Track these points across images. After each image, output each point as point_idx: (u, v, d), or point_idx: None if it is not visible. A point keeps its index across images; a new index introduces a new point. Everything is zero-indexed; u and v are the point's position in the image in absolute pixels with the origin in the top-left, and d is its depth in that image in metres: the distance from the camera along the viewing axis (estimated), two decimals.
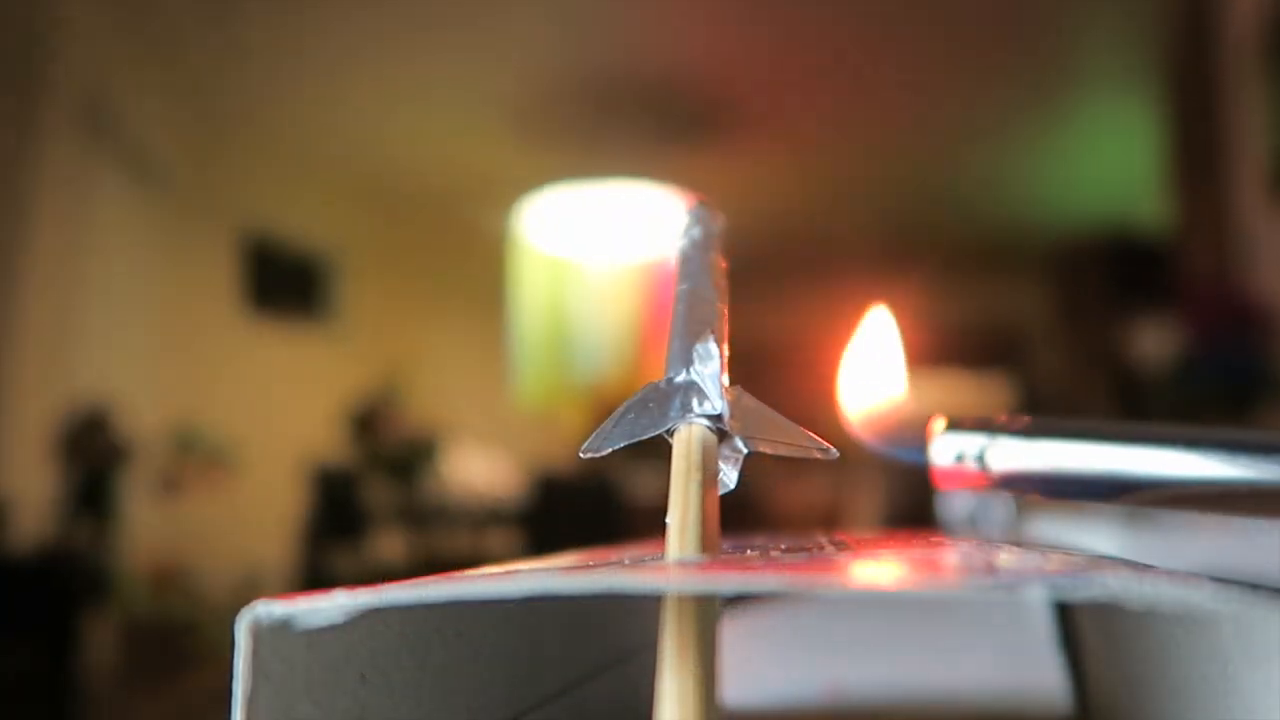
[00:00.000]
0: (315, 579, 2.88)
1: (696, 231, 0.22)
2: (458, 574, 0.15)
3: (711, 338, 0.19)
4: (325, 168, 3.73)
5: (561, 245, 3.72)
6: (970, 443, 0.21)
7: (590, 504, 2.64)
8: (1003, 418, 0.21)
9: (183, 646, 2.68)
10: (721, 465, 0.18)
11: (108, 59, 2.75)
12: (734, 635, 0.39)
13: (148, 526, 2.77)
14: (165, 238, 3.26)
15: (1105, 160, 3.60)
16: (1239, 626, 0.14)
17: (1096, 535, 0.55)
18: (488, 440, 3.86)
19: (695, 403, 0.17)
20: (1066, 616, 0.28)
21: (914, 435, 0.23)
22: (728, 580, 0.12)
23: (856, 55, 2.89)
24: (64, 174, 2.58)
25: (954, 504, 0.86)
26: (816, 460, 0.22)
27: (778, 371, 1.88)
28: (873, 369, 0.25)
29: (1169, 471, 0.19)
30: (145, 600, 2.77)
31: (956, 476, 0.22)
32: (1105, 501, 0.20)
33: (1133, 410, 2.79)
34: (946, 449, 0.22)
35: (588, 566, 0.16)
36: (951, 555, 0.15)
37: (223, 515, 3.19)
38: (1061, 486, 0.21)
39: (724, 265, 0.23)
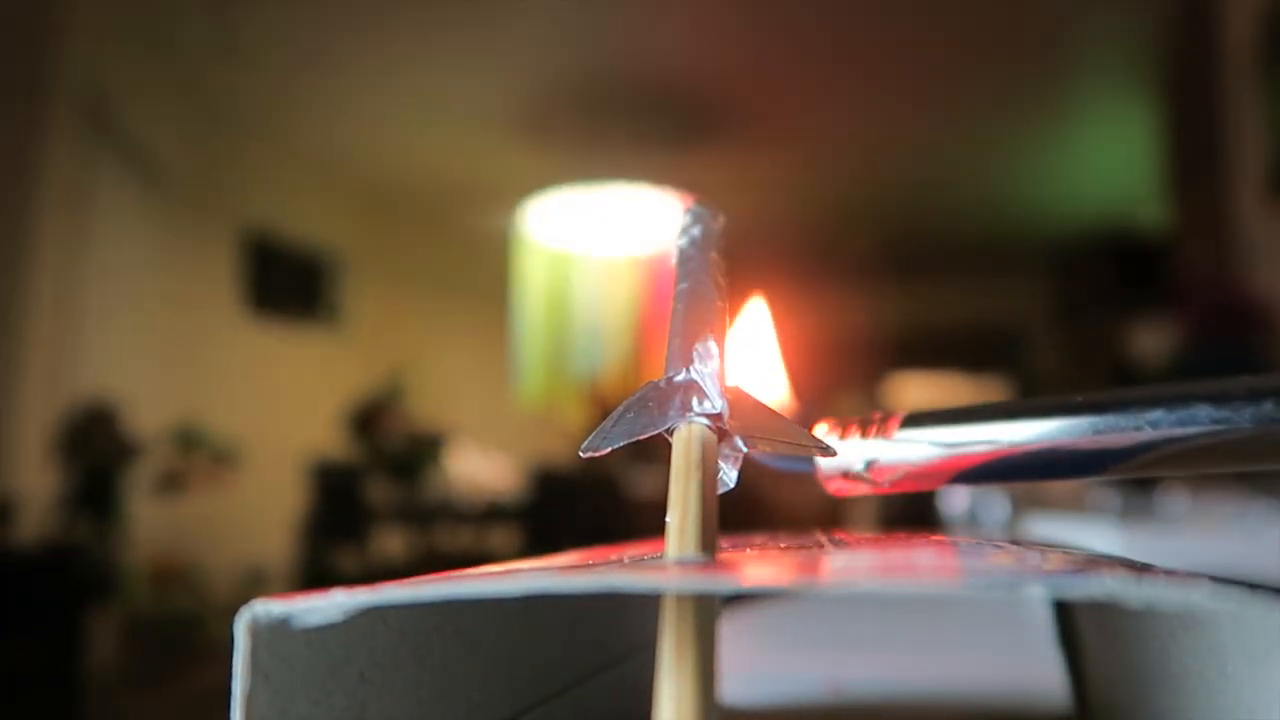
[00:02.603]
0: (318, 576, 2.89)
1: (696, 230, 0.22)
2: (456, 573, 0.15)
3: (711, 337, 0.19)
4: (327, 168, 3.73)
5: (563, 245, 3.72)
6: (854, 448, 0.21)
7: (592, 501, 2.64)
8: (876, 415, 0.21)
9: (186, 643, 2.68)
10: (721, 464, 0.18)
11: (110, 59, 2.75)
12: (734, 634, 0.39)
13: (151, 524, 2.77)
14: (167, 237, 3.26)
15: (1104, 160, 3.59)
16: (1237, 625, 0.14)
17: (1095, 534, 0.55)
18: (490, 438, 3.86)
19: (695, 402, 0.17)
20: (1065, 615, 0.28)
21: None
22: (727, 580, 0.12)
23: (855, 58, 2.89)
24: (66, 174, 2.58)
25: (953, 503, 0.86)
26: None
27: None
28: (751, 369, 0.24)
29: (1046, 438, 0.19)
30: (149, 597, 2.77)
31: (847, 484, 0.21)
32: (999, 482, 0.20)
33: None
34: (831, 459, 0.21)
35: (587, 566, 0.16)
36: (951, 554, 0.15)
37: (226, 513, 3.19)
38: (951, 476, 0.20)
39: (723, 264, 0.22)
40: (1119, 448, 0.18)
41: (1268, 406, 0.17)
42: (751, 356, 0.24)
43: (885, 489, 0.21)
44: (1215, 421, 0.17)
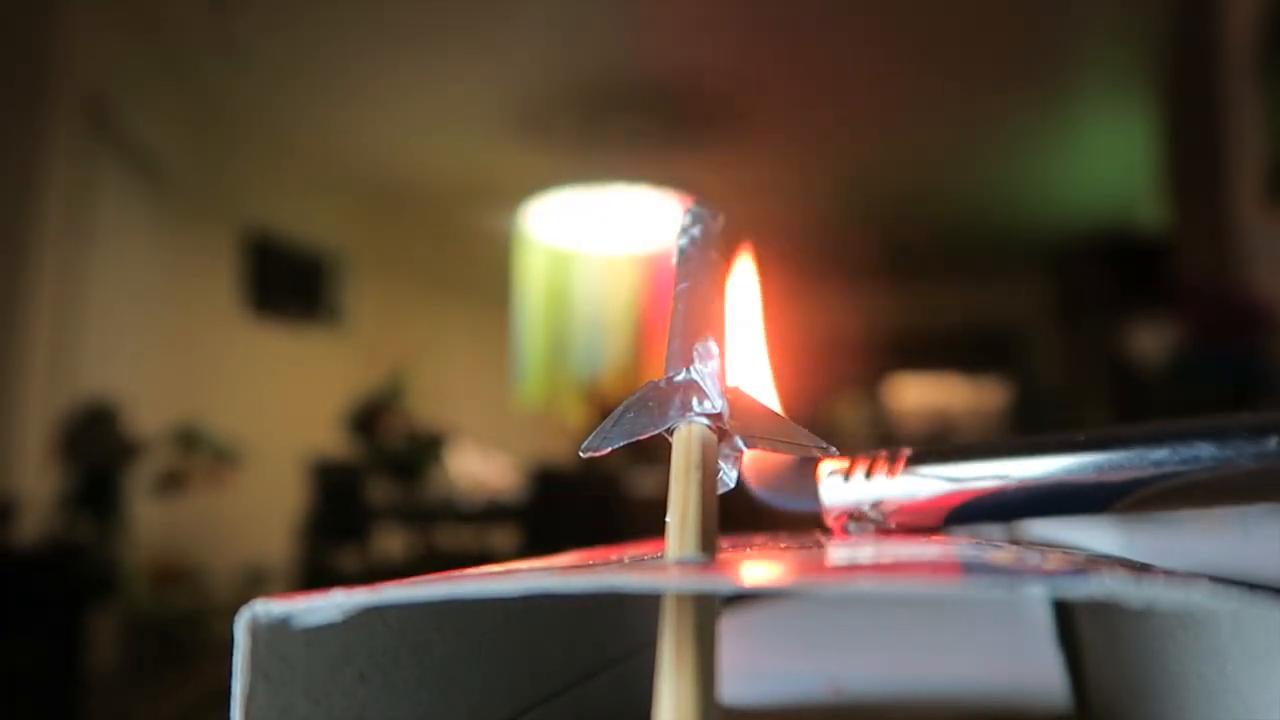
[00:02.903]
0: (319, 576, 2.88)
1: (696, 230, 0.22)
2: (456, 573, 0.15)
3: (711, 337, 0.19)
4: (327, 167, 3.73)
5: (563, 245, 3.72)
6: (860, 489, 0.21)
7: (592, 501, 2.64)
8: (884, 454, 0.21)
9: (186, 643, 2.68)
10: (721, 464, 0.18)
11: (111, 60, 2.75)
12: (734, 634, 0.39)
13: (152, 524, 2.77)
14: (168, 237, 3.26)
15: (1104, 161, 3.59)
16: (1236, 625, 0.14)
17: (1095, 534, 0.55)
18: (490, 438, 3.86)
19: (695, 402, 0.17)
20: (1065, 615, 0.28)
21: (802, 482, 0.21)
22: (727, 580, 0.12)
23: (853, 58, 2.89)
24: (68, 174, 2.58)
25: None
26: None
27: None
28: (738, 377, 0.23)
29: (1049, 475, 0.19)
30: (149, 597, 2.77)
31: (850, 524, 0.21)
32: (1002, 520, 0.20)
33: (1130, 410, 2.79)
34: (837, 498, 0.21)
35: (587, 566, 0.16)
36: (951, 554, 0.15)
37: (227, 512, 3.19)
38: (954, 512, 0.20)
39: (724, 264, 0.22)
40: (1122, 484, 0.19)
41: (1269, 444, 0.17)
42: (739, 343, 0.23)
43: (889, 528, 0.21)
44: (1217, 460, 0.18)
